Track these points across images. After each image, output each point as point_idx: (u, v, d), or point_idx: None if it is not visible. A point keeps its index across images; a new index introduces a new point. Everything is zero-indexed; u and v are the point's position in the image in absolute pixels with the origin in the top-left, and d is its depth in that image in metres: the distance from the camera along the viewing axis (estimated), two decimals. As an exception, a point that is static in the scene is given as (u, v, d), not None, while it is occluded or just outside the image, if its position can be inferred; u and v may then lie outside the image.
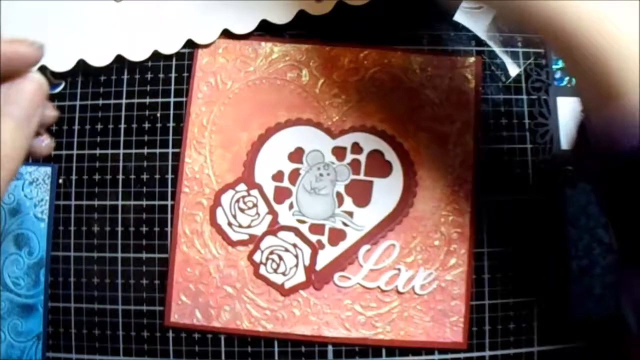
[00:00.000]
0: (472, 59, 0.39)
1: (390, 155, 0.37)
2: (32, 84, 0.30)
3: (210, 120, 0.38)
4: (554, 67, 0.40)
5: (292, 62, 0.38)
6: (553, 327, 0.38)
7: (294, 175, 0.38)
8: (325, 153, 0.38)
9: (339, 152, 0.38)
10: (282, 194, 0.37)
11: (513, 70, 0.40)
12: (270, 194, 0.37)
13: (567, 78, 0.40)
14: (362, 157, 0.37)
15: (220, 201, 0.37)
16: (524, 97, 0.40)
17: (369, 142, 0.38)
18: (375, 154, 0.38)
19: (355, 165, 0.37)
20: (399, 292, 0.37)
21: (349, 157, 0.38)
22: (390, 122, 0.38)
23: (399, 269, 0.37)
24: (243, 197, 0.37)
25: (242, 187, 0.37)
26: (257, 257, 0.37)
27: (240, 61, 0.39)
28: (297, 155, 0.38)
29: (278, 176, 0.38)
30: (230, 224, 0.37)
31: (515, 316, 0.37)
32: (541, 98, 0.39)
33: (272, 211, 0.37)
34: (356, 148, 0.38)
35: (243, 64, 0.39)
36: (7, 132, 0.27)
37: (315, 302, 0.37)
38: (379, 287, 0.37)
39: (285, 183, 0.37)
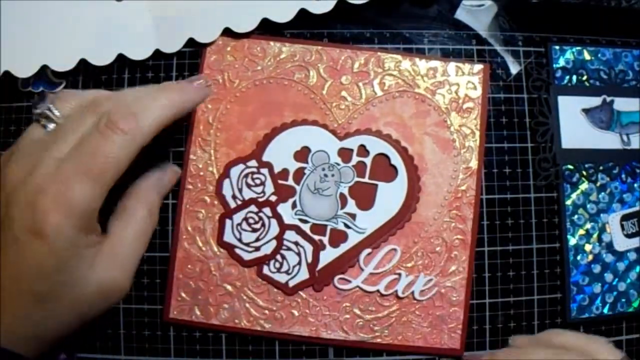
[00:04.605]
0: (480, 66, 0.39)
1: (396, 159, 0.37)
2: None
3: (216, 118, 0.38)
4: (555, 65, 0.40)
5: (300, 63, 0.38)
6: (553, 326, 0.38)
7: (299, 175, 0.37)
8: (330, 154, 0.38)
9: (344, 154, 0.38)
10: (286, 193, 0.37)
11: (514, 68, 0.40)
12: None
13: (567, 77, 0.40)
14: (368, 160, 0.37)
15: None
16: (525, 95, 0.40)
17: (376, 146, 0.38)
18: (381, 158, 0.38)
19: (360, 168, 0.37)
20: (398, 297, 0.37)
21: (355, 159, 0.38)
22: (396, 126, 0.38)
23: (399, 274, 0.37)
24: (250, 176, 0.38)
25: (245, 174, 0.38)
26: (258, 256, 0.37)
27: (248, 60, 0.38)
28: (302, 154, 0.38)
29: (283, 174, 0.37)
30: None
31: (515, 315, 0.38)
32: (542, 97, 0.39)
33: (275, 215, 0.37)
34: (362, 150, 0.38)
35: (251, 63, 0.38)
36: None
37: (314, 304, 0.37)
38: (378, 291, 0.37)
39: (290, 182, 0.37)
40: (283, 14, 0.38)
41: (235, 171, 0.37)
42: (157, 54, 0.39)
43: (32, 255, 0.27)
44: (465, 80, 0.38)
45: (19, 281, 0.27)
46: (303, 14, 0.38)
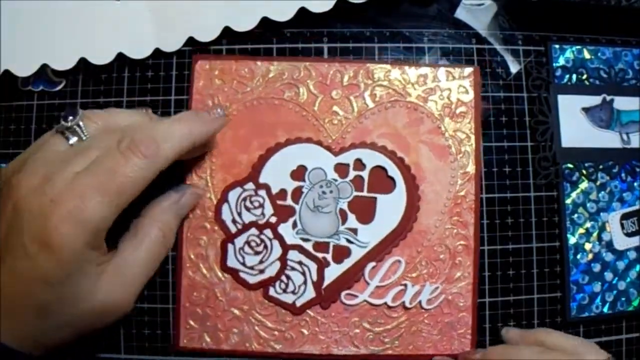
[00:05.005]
0: (470, 69, 0.38)
1: (393, 170, 0.37)
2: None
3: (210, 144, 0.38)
4: (555, 64, 0.40)
5: (289, 81, 0.38)
6: (553, 325, 0.38)
7: (297, 194, 0.37)
8: (327, 170, 0.37)
9: (341, 169, 0.37)
10: (285, 213, 0.37)
11: (513, 67, 0.40)
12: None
13: (567, 76, 0.40)
14: (365, 174, 0.37)
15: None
16: (525, 94, 0.40)
17: (372, 158, 0.37)
18: (378, 170, 0.37)
19: (358, 182, 0.37)
20: (406, 308, 0.37)
21: (352, 173, 0.37)
22: (390, 137, 0.38)
23: (405, 285, 0.37)
24: (248, 199, 0.37)
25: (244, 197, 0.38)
26: (263, 278, 0.37)
27: (237, 82, 0.38)
28: (299, 173, 0.37)
29: (281, 195, 0.37)
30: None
31: (515, 314, 0.38)
32: (541, 96, 0.39)
33: (277, 236, 0.37)
34: (358, 164, 0.37)
35: (240, 85, 0.38)
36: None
37: (323, 321, 0.37)
38: (386, 303, 0.37)
39: (289, 201, 0.37)
40: (283, 13, 0.38)
41: (233, 195, 0.37)
42: (157, 53, 0.39)
43: (38, 265, 0.27)
44: (457, 85, 0.38)
45: (22, 291, 0.28)
46: (303, 13, 0.38)
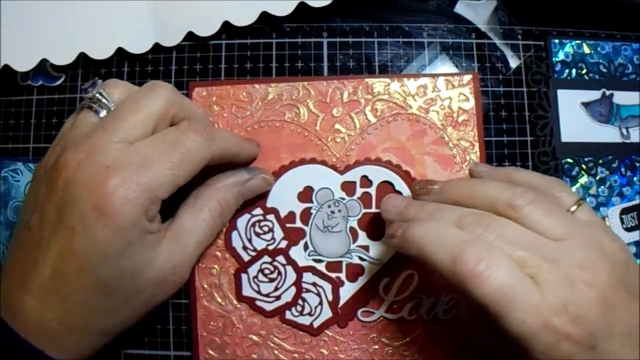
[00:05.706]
0: (469, 77, 0.38)
1: (400, 184, 0.37)
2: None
3: (214, 171, 0.37)
4: (554, 59, 0.40)
5: (289, 102, 0.38)
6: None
7: (306, 215, 0.37)
8: (334, 190, 0.37)
9: (348, 187, 0.37)
10: (295, 235, 0.37)
11: (513, 62, 0.40)
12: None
13: (567, 70, 0.40)
14: (372, 190, 0.37)
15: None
16: (524, 89, 0.40)
17: (378, 174, 0.37)
18: (385, 185, 0.37)
19: (366, 199, 0.37)
20: (423, 320, 0.37)
21: (359, 191, 0.37)
22: (394, 151, 0.38)
23: (420, 298, 0.37)
24: (258, 224, 0.37)
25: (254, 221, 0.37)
26: (279, 303, 0.37)
27: (235, 107, 0.38)
28: (306, 194, 0.37)
29: (290, 217, 0.37)
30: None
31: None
32: (541, 90, 0.39)
33: (290, 261, 0.37)
34: (365, 181, 0.37)
35: (239, 110, 0.38)
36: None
37: (342, 340, 0.37)
38: (402, 317, 0.37)
39: (298, 224, 0.37)
40: (282, 8, 0.38)
41: (241, 222, 0.37)
42: (157, 47, 0.39)
43: (96, 235, 0.26)
44: (457, 93, 0.38)
45: (84, 271, 0.27)
46: (302, 7, 0.38)
